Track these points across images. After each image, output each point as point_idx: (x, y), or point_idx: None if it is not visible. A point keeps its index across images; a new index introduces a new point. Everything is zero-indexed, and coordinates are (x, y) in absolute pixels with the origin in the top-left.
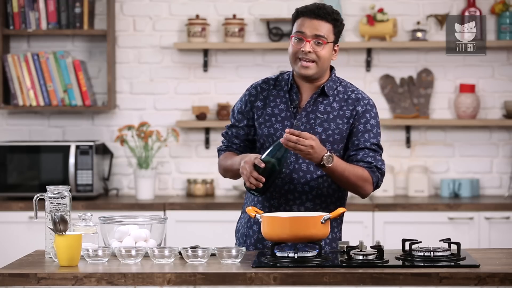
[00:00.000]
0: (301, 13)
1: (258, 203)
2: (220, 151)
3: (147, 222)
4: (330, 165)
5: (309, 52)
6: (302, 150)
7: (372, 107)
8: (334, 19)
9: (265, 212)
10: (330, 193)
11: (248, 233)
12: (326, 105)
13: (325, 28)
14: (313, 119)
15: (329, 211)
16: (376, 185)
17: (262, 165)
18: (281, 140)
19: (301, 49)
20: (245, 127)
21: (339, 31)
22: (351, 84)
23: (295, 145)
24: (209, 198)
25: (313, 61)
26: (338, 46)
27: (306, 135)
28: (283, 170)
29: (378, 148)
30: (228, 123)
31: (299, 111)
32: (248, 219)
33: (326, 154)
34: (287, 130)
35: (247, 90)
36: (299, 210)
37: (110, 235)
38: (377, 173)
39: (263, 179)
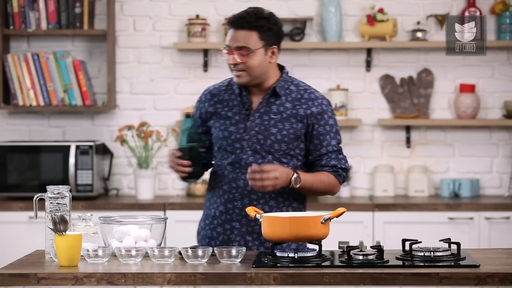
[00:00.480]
0: (228, 23)
1: (221, 204)
2: None
3: (147, 222)
4: (298, 186)
5: (236, 64)
6: (269, 185)
7: (327, 106)
8: (256, 26)
9: (227, 214)
10: (293, 190)
11: (212, 235)
12: (279, 105)
13: (246, 38)
14: (267, 120)
15: (293, 209)
16: (343, 182)
17: (178, 154)
18: (249, 183)
19: (228, 61)
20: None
21: (270, 35)
22: (303, 83)
23: (262, 183)
24: None
25: (243, 70)
26: (276, 47)
27: (266, 168)
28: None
29: (339, 147)
30: None
31: (252, 112)
32: (210, 220)
33: (293, 177)
34: (248, 174)
35: (199, 97)
36: (263, 210)
37: (110, 235)
38: (343, 174)
39: (188, 162)
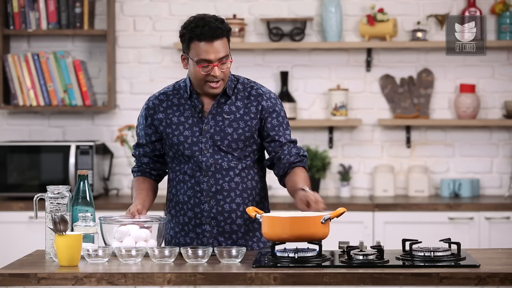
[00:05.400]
0: (198, 37)
1: (188, 210)
2: (133, 172)
3: (147, 222)
4: None
5: (219, 75)
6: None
7: (276, 99)
8: (227, 31)
9: (197, 219)
10: (254, 186)
11: (186, 242)
12: (230, 105)
13: (224, 46)
14: (221, 121)
15: (256, 203)
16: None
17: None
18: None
19: (210, 74)
20: (149, 144)
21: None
22: (247, 80)
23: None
24: None
25: (221, 80)
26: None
27: (320, 199)
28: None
29: (293, 138)
30: None
31: (205, 115)
32: (181, 228)
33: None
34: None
35: (144, 105)
36: (230, 208)
37: (110, 235)
38: (305, 160)
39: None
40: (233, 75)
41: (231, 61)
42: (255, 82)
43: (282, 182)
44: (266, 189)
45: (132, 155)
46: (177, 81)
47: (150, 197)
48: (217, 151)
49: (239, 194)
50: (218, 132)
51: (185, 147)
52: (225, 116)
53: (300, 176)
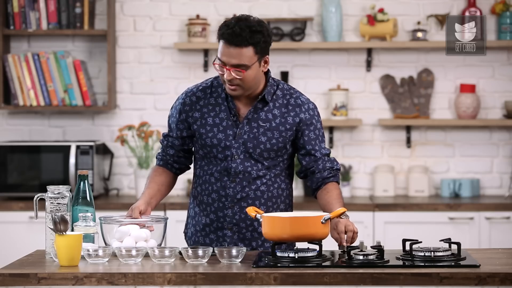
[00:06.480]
0: (221, 35)
1: (211, 212)
2: (156, 158)
3: (148, 222)
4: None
5: (231, 79)
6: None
7: (314, 110)
8: (253, 43)
9: (218, 222)
10: (280, 194)
11: (205, 242)
12: (267, 112)
13: (243, 55)
14: (256, 128)
15: (280, 210)
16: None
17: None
18: (346, 243)
19: (223, 75)
20: (179, 138)
21: (264, 47)
22: (287, 85)
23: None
24: None
25: (238, 85)
26: (268, 57)
27: (352, 228)
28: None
29: (328, 150)
30: None
31: (240, 119)
32: (202, 227)
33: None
34: (343, 243)
35: (181, 99)
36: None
37: (110, 235)
38: (338, 174)
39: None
40: (273, 79)
41: (244, 71)
42: (294, 89)
43: (314, 195)
44: (292, 196)
45: (160, 142)
46: (216, 77)
47: (161, 192)
48: (248, 158)
49: (263, 203)
50: (252, 139)
51: (218, 151)
52: (261, 124)
53: (332, 195)
